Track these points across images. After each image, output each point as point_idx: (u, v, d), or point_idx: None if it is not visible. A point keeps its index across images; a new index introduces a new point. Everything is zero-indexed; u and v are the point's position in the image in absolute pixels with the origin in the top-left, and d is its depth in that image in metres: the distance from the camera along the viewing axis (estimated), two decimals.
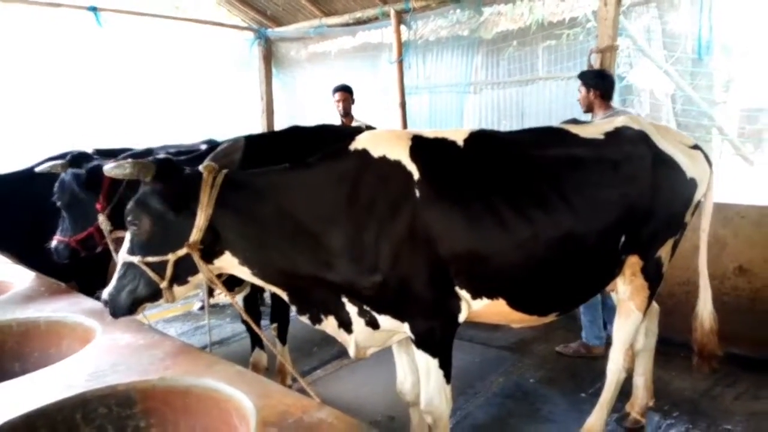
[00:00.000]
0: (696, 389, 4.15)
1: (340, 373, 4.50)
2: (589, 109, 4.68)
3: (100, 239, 3.50)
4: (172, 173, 2.53)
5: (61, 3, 6.17)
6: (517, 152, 2.87)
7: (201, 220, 2.44)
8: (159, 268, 2.48)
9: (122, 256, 2.54)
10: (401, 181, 2.60)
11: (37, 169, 3.48)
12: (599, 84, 4.57)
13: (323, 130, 4.49)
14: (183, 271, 2.52)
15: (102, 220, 3.39)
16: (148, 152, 4.26)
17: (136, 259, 2.49)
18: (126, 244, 2.55)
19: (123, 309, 2.54)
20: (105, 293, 2.55)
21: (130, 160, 2.51)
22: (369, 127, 5.22)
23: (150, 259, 2.48)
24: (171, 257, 2.46)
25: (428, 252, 2.58)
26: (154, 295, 2.54)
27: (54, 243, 3.49)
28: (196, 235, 2.44)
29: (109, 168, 2.51)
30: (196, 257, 2.46)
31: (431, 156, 2.70)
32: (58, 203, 3.44)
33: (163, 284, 2.50)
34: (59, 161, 3.47)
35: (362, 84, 7.12)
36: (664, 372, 4.24)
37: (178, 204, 2.46)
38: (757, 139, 6.25)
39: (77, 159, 3.59)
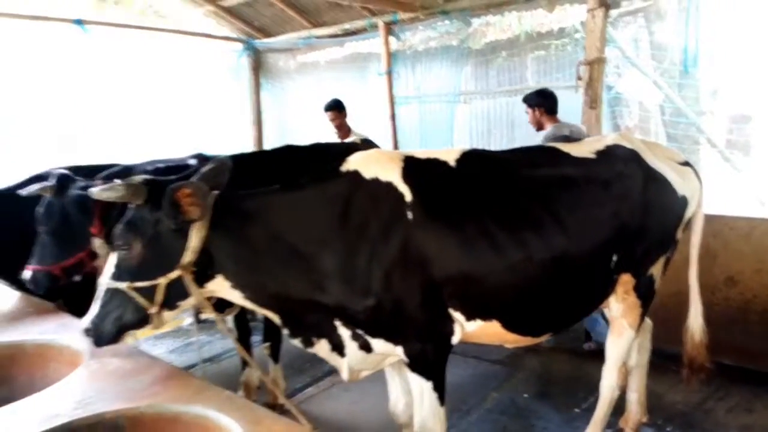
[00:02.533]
0: (689, 402, 4.15)
1: (333, 391, 4.45)
2: (539, 126, 5.00)
3: (90, 264, 3.36)
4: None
5: (48, 17, 6.10)
6: (509, 172, 2.87)
7: (194, 241, 2.39)
8: (148, 293, 2.41)
9: (105, 282, 2.45)
10: (393, 203, 2.58)
11: (23, 192, 3.28)
12: (541, 102, 4.95)
13: (316, 148, 4.45)
14: (173, 296, 2.46)
15: (99, 245, 3.25)
16: (128, 170, 4.18)
17: (123, 285, 2.40)
18: (109, 269, 2.46)
19: (108, 337, 2.46)
20: (86, 321, 2.47)
21: (120, 182, 2.44)
22: (365, 141, 5.16)
23: (139, 284, 2.40)
24: (162, 281, 2.40)
25: (421, 274, 2.56)
26: (142, 321, 2.46)
27: (28, 273, 3.20)
28: (189, 256, 2.39)
29: (99, 191, 2.43)
30: (189, 280, 2.40)
31: (423, 177, 2.69)
32: (43, 228, 3.23)
33: (153, 309, 2.43)
34: (47, 184, 3.28)
35: (351, 94, 7.09)
36: (657, 385, 4.22)
37: (172, 226, 2.39)
38: (745, 146, 6.29)
39: (64, 181, 3.44)
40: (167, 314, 2.51)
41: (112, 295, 2.44)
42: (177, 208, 2.34)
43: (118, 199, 2.44)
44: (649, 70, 5.81)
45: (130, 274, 2.42)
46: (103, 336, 2.45)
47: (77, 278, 3.38)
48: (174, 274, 2.40)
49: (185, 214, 2.36)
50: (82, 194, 3.22)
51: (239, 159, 4.03)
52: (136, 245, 2.40)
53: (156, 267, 2.41)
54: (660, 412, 3.99)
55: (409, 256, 2.53)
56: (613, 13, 5.41)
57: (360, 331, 2.65)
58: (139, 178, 2.52)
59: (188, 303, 2.54)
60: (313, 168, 2.90)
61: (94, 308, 2.46)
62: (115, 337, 2.47)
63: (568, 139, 3.49)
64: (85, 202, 3.19)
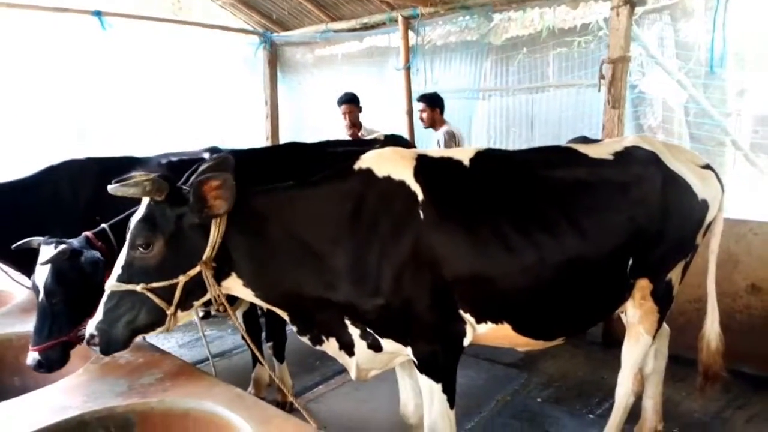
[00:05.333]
0: (706, 411, 4.05)
1: (343, 389, 4.42)
2: (432, 124, 5.95)
3: None
4: (182, 190, 2.42)
5: (66, 8, 6.15)
6: (524, 172, 2.82)
7: (214, 236, 2.35)
8: (165, 293, 2.35)
9: (113, 285, 2.35)
10: (405, 202, 2.55)
11: (40, 262, 2.74)
12: (438, 103, 5.88)
13: (322, 146, 4.40)
14: (190, 295, 2.41)
15: None
16: (141, 162, 4.13)
17: (138, 287, 2.31)
18: (116, 271, 2.37)
19: (119, 343, 2.38)
20: (91, 328, 2.35)
21: (144, 177, 2.32)
22: (392, 136, 5.04)
23: (157, 284, 2.32)
24: (182, 279, 2.35)
25: (432, 274, 2.53)
26: (156, 323, 2.40)
27: (36, 356, 2.67)
28: (209, 252, 2.34)
29: (122, 188, 2.29)
30: (210, 276, 2.36)
31: (436, 176, 2.66)
32: (57, 298, 2.73)
33: (171, 310, 2.36)
34: (65, 247, 2.73)
35: (369, 89, 7.05)
36: (674, 392, 4.15)
37: (196, 220, 2.35)
38: None
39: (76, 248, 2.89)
40: (181, 314, 2.45)
41: (121, 298, 2.34)
42: (204, 202, 2.30)
43: (142, 195, 2.34)
44: (674, 70, 5.69)
45: (147, 275, 2.33)
46: (112, 341, 2.36)
47: None
48: (194, 271, 2.34)
49: (211, 208, 2.31)
50: (95, 254, 2.85)
51: (243, 155, 4.01)
52: (157, 244, 2.32)
53: (176, 265, 2.36)
54: (676, 420, 3.90)
55: (419, 256, 2.50)
56: (638, 10, 5.29)
57: (370, 330, 2.62)
58: (149, 175, 2.42)
59: (201, 302, 2.50)
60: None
61: (100, 313, 2.36)
62: (127, 342, 2.40)
63: (587, 140, 3.40)
64: (101, 256, 2.86)
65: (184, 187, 2.48)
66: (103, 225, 2.95)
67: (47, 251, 2.73)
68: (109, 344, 2.36)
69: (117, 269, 2.37)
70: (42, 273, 2.73)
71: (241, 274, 2.47)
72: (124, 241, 2.42)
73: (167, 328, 2.42)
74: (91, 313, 2.67)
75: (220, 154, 2.80)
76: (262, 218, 2.50)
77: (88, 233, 2.91)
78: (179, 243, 2.35)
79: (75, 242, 2.82)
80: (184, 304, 2.42)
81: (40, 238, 2.84)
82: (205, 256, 2.34)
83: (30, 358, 2.68)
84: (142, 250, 2.32)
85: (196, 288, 2.40)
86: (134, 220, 2.38)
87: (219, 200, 2.30)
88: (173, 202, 2.36)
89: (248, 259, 2.46)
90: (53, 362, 2.72)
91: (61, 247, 2.72)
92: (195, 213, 2.33)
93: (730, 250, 4.46)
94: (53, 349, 2.70)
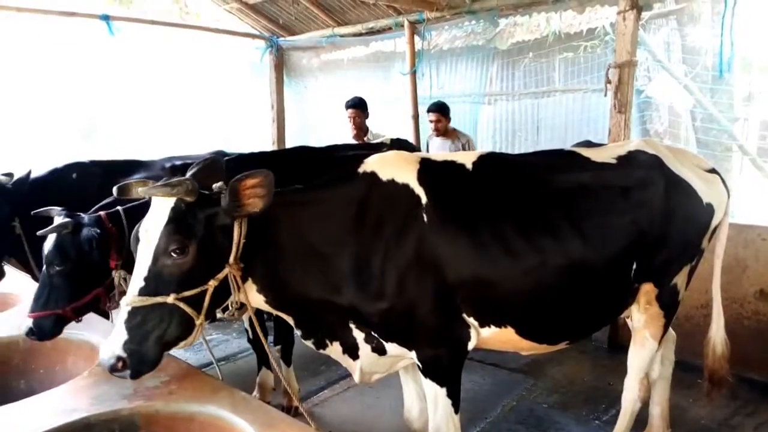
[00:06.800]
0: (714, 418, 4.02)
1: (348, 394, 4.42)
2: (443, 132, 6.00)
3: (106, 299, 3.00)
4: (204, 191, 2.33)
5: (75, 12, 6.19)
6: (527, 176, 2.82)
7: (238, 235, 2.28)
8: (195, 301, 2.20)
9: (135, 301, 2.14)
10: (409, 205, 2.55)
11: (39, 233, 2.79)
12: (449, 111, 6.00)
13: (330, 150, 4.41)
14: (215, 301, 2.29)
15: (123, 275, 2.88)
16: (126, 165, 4.14)
17: (169, 298, 2.13)
18: (137, 285, 2.16)
19: (151, 362, 2.17)
20: (115, 350, 2.11)
21: (179, 179, 2.21)
22: (396, 140, 5.03)
23: (188, 292, 2.16)
24: (212, 284, 2.22)
25: (435, 278, 2.52)
26: (184, 336, 2.22)
27: (29, 323, 2.72)
28: (235, 252, 2.27)
29: (163, 188, 2.17)
30: (238, 277, 2.28)
31: (439, 180, 2.66)
32: (57, 269, 2.75)
33: (200, 319, 2.20)
34: (67, 221, 2.79)
35: (374, 93, 7.06)
36: (681, 398, 4.12)
37: (228, 221, 2.27)
38: None
39: (79, 219, 2.94)
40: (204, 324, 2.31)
41: (147, 314, 2.14)
42: (239, 201, 2.22)
43: (175, 196, 2.20)
44: (681, 75, 5.67)
45: (178, 283, 2.17)
46: (144, 362, 2.16)
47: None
48: (222, 275, 2.25)
49: (245, 206, 2.22)
50: (101, 231, 2.87)
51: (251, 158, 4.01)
52: (191, 248, 2.17)
53: (207, 269, 2.23)
54: (683, 427, 3.86)
55: (423, 259, 2.50)
56: (645, 15, 5.28)
57: (374, 334, 2.62)
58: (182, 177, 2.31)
59: (219, 308, 2.42)
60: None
61: (121, 334, 2.12)
62: (158, 361, 2.20)
63: (590, 144, 3.40)
64: (105, 234, 2.87)
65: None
66: (118, 207, 2.96)
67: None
68: (141, 365, 2.16)
69: (137, 283, 2.17)
70: (48, 243, 2.79)
71: (257, 278, 2.43)
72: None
73: (193, 339, 2.27)
74: (86, 293, 2.82)
75: (209, 157, 2.76)
76: (273, 221, 2.46)
77: (101, 213, 2.93)
78: (209, 246, 2.23)
79: (85, 218, 2.86)
80: (209, 312, 2.29)
81: (58, 208, 2.90)
82: (231, 258, 2.27)
83: (24, 324, 2.74)
84: (175, 255, 2.15)
85: (221, 293, 2.31)
86: (158, 226, 2.19)
87: (255, 198, 2.21)
88: (202, 203, 2.26)
89: (262, 262, 2.42)
90: (44, 332, 2.75)
91: (65, 219, 2.76)
92: (229, 212, 2.24)
93: (738, 255, 4.43)
94: (47, 318, 2.74)
